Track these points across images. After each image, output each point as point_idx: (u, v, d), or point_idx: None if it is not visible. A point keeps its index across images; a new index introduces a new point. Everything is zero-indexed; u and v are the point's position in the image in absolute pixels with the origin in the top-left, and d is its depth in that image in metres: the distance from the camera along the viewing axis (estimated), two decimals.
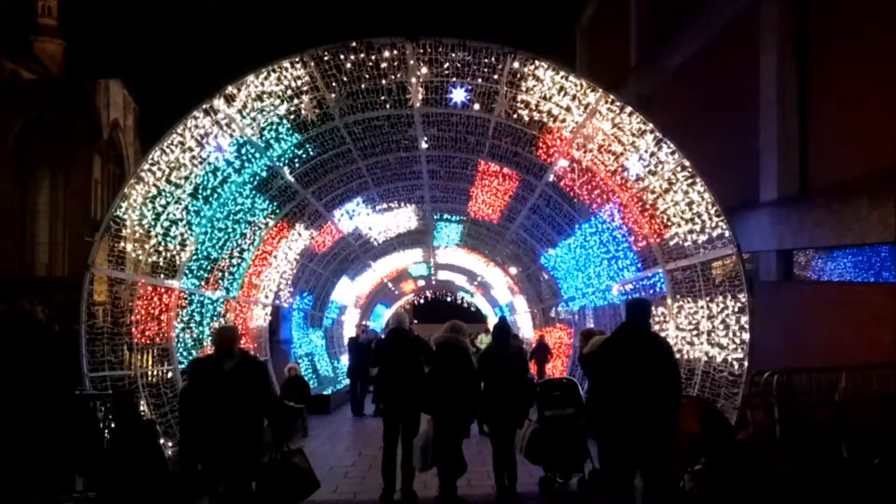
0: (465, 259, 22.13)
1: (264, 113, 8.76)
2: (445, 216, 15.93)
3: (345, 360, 19.37)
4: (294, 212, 11.81)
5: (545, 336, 18.24)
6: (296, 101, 8.76)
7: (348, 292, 21.41)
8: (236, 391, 5.65)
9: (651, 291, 10.11)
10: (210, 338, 10.44)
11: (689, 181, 8.25)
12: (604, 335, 8.78)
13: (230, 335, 6.00)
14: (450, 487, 7.39)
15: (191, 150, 8.42)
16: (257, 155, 9.36)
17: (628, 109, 8.45)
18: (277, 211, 11.22)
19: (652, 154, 8.50)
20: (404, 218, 15.83)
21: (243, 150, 9.14)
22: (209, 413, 5.59)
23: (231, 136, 8.73)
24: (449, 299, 36.29)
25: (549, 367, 17.29)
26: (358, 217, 14.35)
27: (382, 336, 12.73)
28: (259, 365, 6.17)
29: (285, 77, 8.36)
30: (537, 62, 8.32)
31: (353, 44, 8.13)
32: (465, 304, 36.14)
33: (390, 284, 27.60)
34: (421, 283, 31.02)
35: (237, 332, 6.28)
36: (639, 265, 10.33)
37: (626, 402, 5.67)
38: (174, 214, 8.71)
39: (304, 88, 8.61)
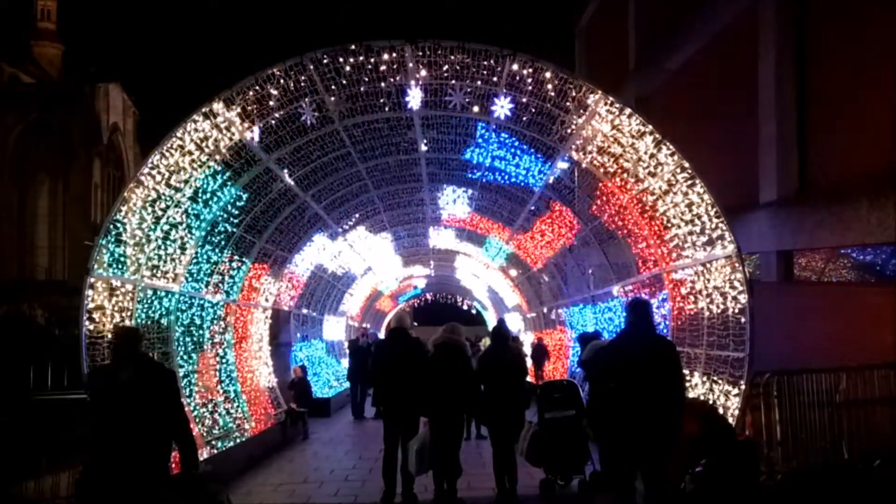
0: (467, 262, 22.21)
1: (263, 116, 8.77)
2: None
3: (345, 363, 19.36)
4: (294, 215, 11.82)
5: (543, 339, 18.26)
6: (295, 104, 8.77)
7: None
8: (134, 404, 4.68)
9: (651, 293, 10.11)
10: (209, 340, 10.45)
11: (689, 182, 8.25)
12: (599, 338, 8.81)
13: (127, 337, 5.06)
14: (450, 491, 7.37)
15: (190, 153, 8.43)
16: (257, 158, 9.38)
17: (627, 111, 8.45)
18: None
19: (651, 156, 8.51)
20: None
21: (242, 154, 9.16)
22: (104, 431, 4.69)
23: (231, 139, 8.74)
24: (449, 301, 36.27)
25: (549, 369, 17.30)
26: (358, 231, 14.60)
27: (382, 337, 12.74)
28: (164, 373, 5.10)
29: (284, 80, 8.37)
30: (536, 64, 8.33)
31: (353, 47, 8.13)
32: (466, 307, 36.16)
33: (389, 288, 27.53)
34: (421, 282, 30.82)
35: (138, 334, 5.35)
36: (639, 266, 10.34)
37: (628, 404, 5.67)
38: (174, 218, 8.71)
39: (304, 91, 8.62)
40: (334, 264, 16.65)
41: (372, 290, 24.64)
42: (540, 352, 17.76)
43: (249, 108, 8.54)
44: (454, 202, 14.02)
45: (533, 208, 12.77)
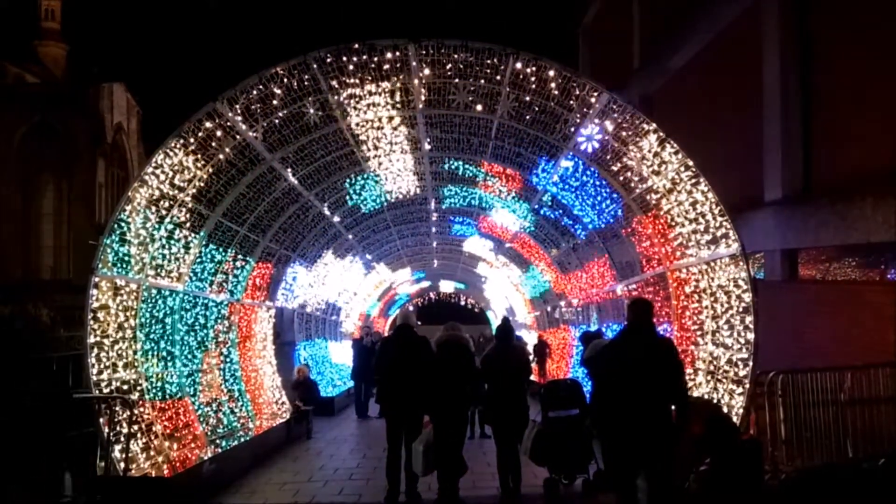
0: (471, 263, 22.24)
1: (267, 115, 8.78)
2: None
3: (348, 362, 19.35)
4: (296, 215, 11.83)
5: (544, 336, 18.23)
6: (298, 103, 8.78)
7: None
8: None
9: (655, 291, 10.09)
10: (213, 339, 10.44)
11: (693, 181, 8.23)
12: (602, 336, 8.80)
13: None
14: (451, 489, 7.36)
15: (194, 153, 8.45)
16: (260, 157, 9.39)
17: (631, 109, 8.44)
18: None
19: (655, 154, 8.49)
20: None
21: (246, 153, 9.17)
22: None
23: (235, 139, 8.75)
24: (452, 301, 36.22)
25: (552, 368, 17.28)
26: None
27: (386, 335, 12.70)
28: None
29: (288, 79, 8.37)
30: (540, 62, 8.32)
31: (356, 46, 8.13)
32: (469, 306, 36.13)
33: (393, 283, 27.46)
34: (423, 284, 30.78)
35: None
36: (643, 265, 10.32)
37: (629, 403, 5.66)
38: (178, 217, 8.73)
39: (307, 90, 8.62)
40: (339, 268, 16.60)
41: (369, 293, 24.57)
42: (542, 350, 17.74)
43: (253, 107, 8.55)
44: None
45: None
